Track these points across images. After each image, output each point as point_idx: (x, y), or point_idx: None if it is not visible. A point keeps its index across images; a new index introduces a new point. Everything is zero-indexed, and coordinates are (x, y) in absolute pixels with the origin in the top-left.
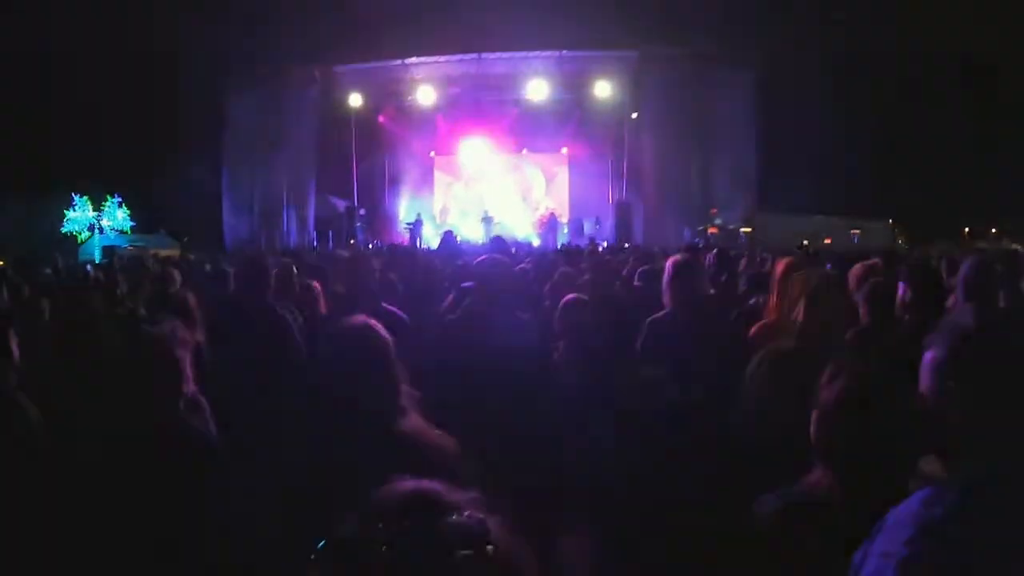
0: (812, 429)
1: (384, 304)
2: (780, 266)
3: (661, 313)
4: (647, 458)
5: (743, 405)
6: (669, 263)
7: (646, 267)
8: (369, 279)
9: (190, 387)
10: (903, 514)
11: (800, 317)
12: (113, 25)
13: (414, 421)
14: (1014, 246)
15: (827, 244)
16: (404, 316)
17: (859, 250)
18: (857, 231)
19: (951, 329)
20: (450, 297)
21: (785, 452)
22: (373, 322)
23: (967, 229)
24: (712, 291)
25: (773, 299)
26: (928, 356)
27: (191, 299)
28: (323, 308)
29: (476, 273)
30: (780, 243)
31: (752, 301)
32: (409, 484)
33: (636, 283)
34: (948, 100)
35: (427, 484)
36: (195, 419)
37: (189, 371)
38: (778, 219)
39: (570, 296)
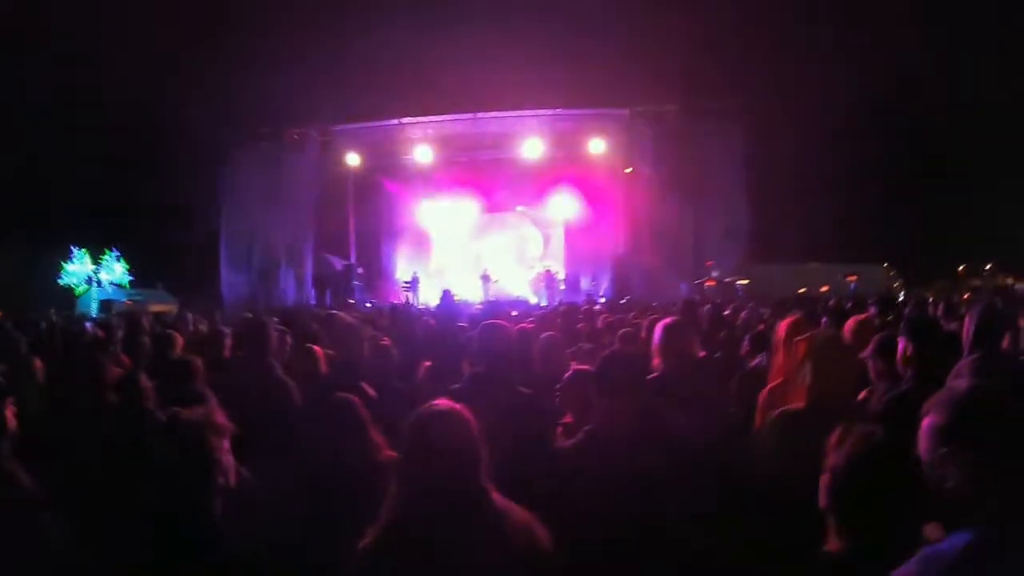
0: (821, 493)
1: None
2: (783, 327)
3: (652, 376)
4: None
5: (756, 468)
6: (659, 326)
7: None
8: (361, 349)
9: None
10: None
11: (808, 380)
12: (116, 82)
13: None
14: (1008, 280)
15: (824, 292)
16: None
17: (856, 297)
18: (854, 277)
19: (946, 395)
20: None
21: (800, 513)
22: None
23: (962, 267)
24: (703, 353)
25: (778, 361)
26: (926, 422)
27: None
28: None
29: (478, 341)
30: (778, 293)
31: (756, 362)
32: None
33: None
34: (937, 141)
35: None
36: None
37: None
38: (774, 269)
39: (579, 369)
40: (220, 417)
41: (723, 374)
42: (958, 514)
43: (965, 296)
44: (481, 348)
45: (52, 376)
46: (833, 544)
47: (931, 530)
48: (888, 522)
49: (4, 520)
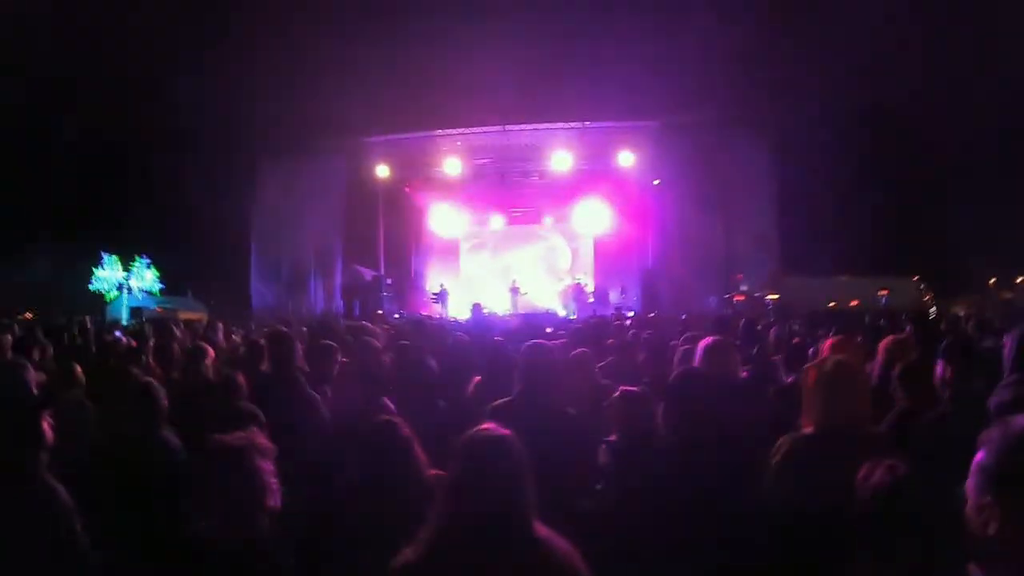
0: (852, 519)
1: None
2: (826, 348)
3: None
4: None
5: (765, 492)
6: (700, 345)
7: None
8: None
9: (276, 501)
10: None
11: (817, 406)
12: (146, 93)
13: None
14: None
15: (855, 306)
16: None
17: (889, 312)
18: (885, 291)
19: (1000, 434)
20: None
21: (802, 538)
22: (509, 433)
23: (992, 279)
24: (745, 372)
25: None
26: (977, 458)
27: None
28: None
29: (524, 360)
30: (807, 306)
31: (789, 380)
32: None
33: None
34: (969, 153)
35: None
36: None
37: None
38: (804, 282)
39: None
40: (262, 439)
41: (758, 392)
42: (999, 560)
43: (998, 310)
44: (527, 368)
45: (92, 388)
46: (862, 570)
47: (972, 571)
48: (920, 558)
49: (41, 531)
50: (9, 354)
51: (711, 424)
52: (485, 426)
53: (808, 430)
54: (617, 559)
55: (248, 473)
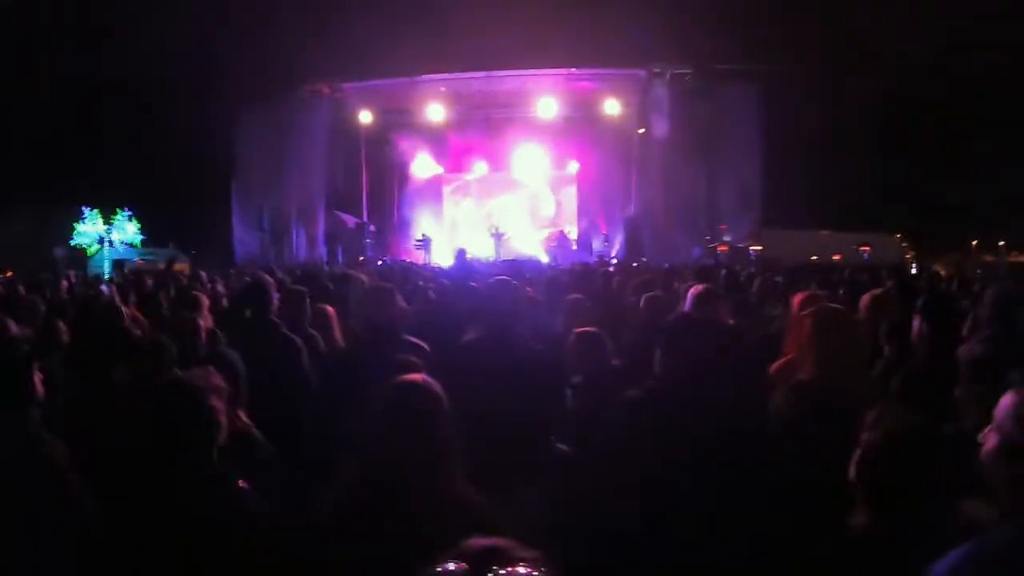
0: (854, 470)
1: (407, 336)
2: (797, 300)
3: None
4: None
5: (770, 437)
6: (691, 292)
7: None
8: (394, 311)
9: (224, 437)
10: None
11: (814, 354)
12: (122, 41)
13: (460, 485)
14: (1021, 258)
15: (836, 260)
16: (425, 346)
17: (870, 268)
18: (867, 247)
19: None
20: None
21: (809, 482)
22: (430, 381)
23: (975, 241)
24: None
25: (792, 335)
26: (1006, 401)
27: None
28: (338, 334)
29: (487, 297)
30: (790, 259)
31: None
32: (483, 541)
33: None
34: (954, 111)
35: (500, 541)
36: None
37: (224, 420)
38: (787, 235)
39: (585, 330)
40: (217, 379)
41: (745, 338)
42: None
43: (978, 272)
44: (492, 304)
45: (74, 341)
46: (862, 519)
47: (974, 506)
48: (920, 499)
49: (37, 484)
50: None
51: (705, 367)
52: (407, 376)
53: (806, 377)
54: (599, 504)
55: (201, 408)
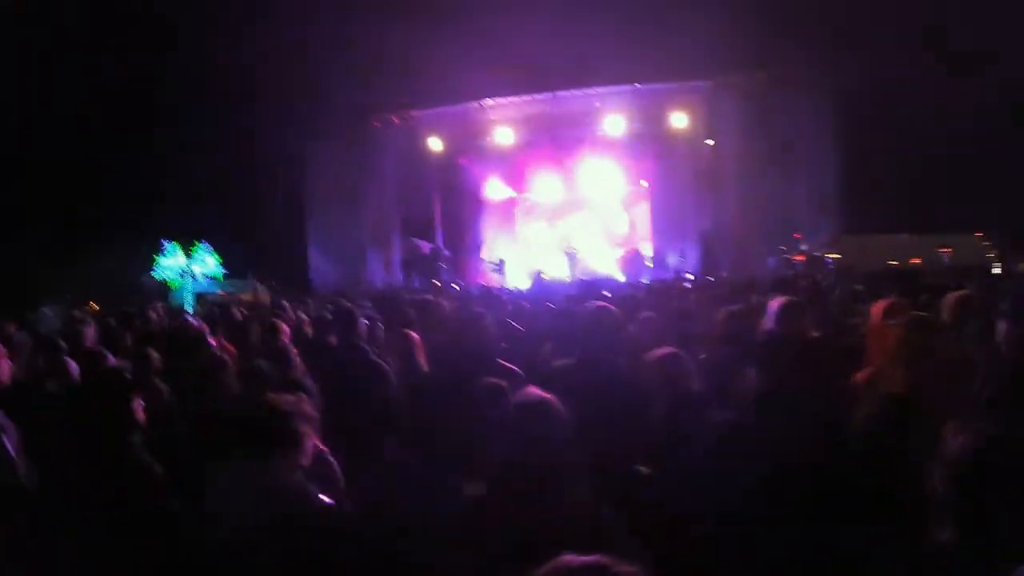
0: (937, 484)
1: (499, 361)
2: (877, 310)
3: None
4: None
5: (857, 452)
6: (774, 306)
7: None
8: (486, 336)
9: (307, 460)
10: None
11: (905, 366)
12: (195, 74)
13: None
14: None
15: (916, 264)
16: (519, 371)
17: (953, 271)
18: (947, 250)
19: None
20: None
21: (898, 494)
22: (553, 399)
23: None
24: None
25: (873, 344)
26: None
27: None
28: (422, 358)
29: (586, 323)
30: (868, 266)
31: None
32: (585, 557)
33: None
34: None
35: (602, 557)
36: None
37: (309, 446)
38: (864, 241)
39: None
40: (307, 406)
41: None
42: None
43: None
44: (589, 329)
45: (168, 370)
46: (943, 534)
47: None
48: (1004, 516)
49: (138, 504)
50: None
51: (797, 388)
52: (527, 391)
53: (898, 390)
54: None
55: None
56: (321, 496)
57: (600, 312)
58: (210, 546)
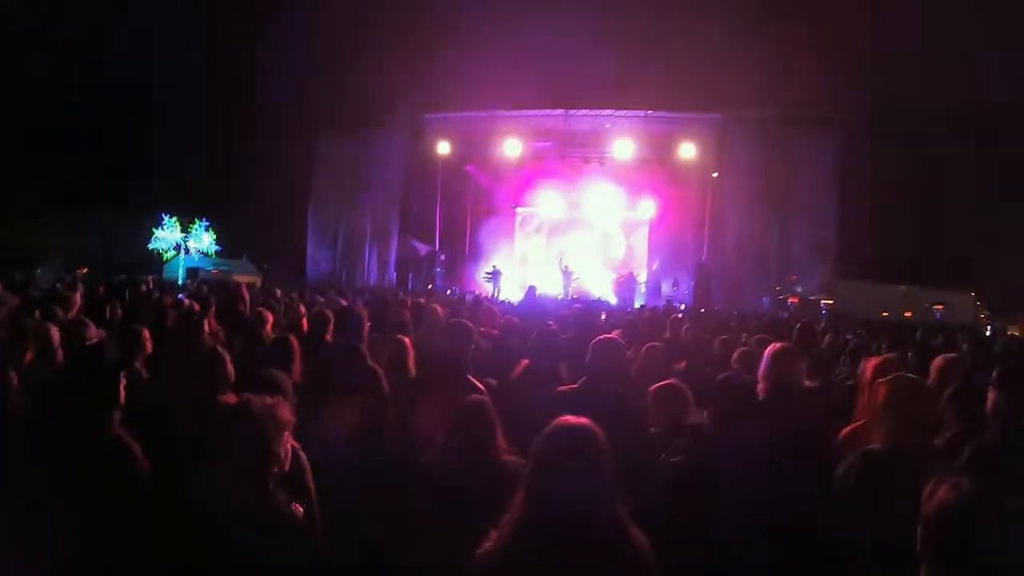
0: (919, 542)
1: (469, 376)
2: (870, 367)
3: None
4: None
5: (833, 505)
6: (767, 352)
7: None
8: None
9: (283, 468)
10: None
11: (888, 424)
12: (213, 61)
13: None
14: None
15: (908, 317)
16: (481, 386)
17: (944, 329)
18: (941, 306)
19: None
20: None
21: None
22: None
23: None
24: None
25: (864, 400)
26: None
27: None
28: (412, 365)
29: (592, 355)
30: (861, 314)
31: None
32: None
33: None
34: None
35: None
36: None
37: (283, 452)
38: (859, 288)
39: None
40: (285, 410)
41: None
42: None
43: None
44: (597, 361)
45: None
46: None
47: None
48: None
49: (114, 481)
50: (76, 312)
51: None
52: (564, 418)
53: (877, 447)
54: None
55: (257, 436)
56: (294, 506)
57: (605, 343)
58: (186, 536)
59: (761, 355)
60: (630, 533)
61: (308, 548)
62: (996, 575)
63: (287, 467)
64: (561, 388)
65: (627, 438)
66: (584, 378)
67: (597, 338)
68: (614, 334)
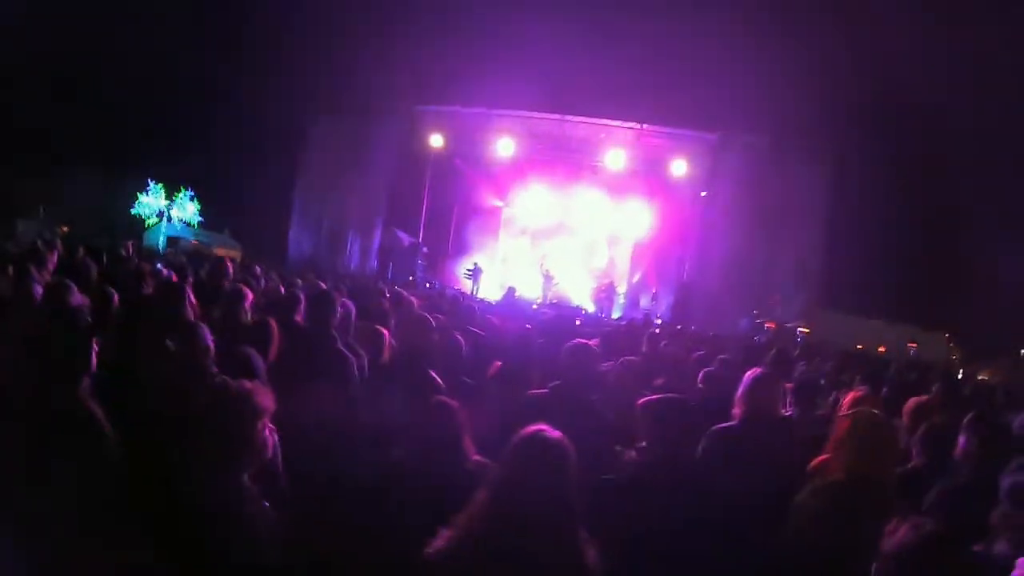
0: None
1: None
2: (847, 401)
3: (729, 424)
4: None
5: (790, 532)
6: (748, 376)
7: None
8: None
9: (265, 457)
10: None
11: (849, 456)
12: (210, 36)
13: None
14: None
15: (882, 352)
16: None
17: (919, 367)
18: (915, 344)
19: None
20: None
21: None
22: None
23: None
24: (789, 412)
25: (836, 434)
26: None
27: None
28: (386, 356)
29: (565, 360)
30: (837, 343)
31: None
32: None
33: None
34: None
35: None
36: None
37: (261, 441)
38: (837, 318)
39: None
40: (267, 399)
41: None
42: None
43: None
44: (569, 365)
45: (126, 315)
46: None
47: None
48: None
49: (79, 447)
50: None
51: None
52: (539, 427)
53: (838, 477)
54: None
55: (233, 421)
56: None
57: (579, 348)
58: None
59: (726, 377)
60: (583, 549)
61: (270, 553)
62: None
63: (268, 455)
64: (532, 392)
65: (590, 448)
66: (556, 383)
67: (571, 343)
68: (593, 342)
